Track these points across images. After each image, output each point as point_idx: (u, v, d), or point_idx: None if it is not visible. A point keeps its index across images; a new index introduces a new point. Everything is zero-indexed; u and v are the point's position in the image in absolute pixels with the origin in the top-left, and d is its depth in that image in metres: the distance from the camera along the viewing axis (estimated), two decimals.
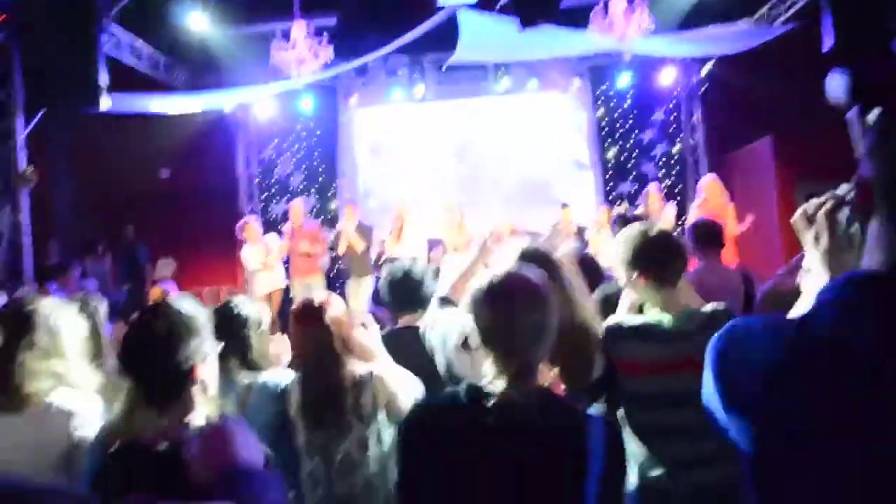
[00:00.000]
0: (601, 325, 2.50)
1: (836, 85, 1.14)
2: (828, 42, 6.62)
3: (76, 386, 2.40)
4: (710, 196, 7.68)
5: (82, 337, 2.59)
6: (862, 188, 1.00)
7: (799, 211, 1.29)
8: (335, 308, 2.70)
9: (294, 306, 2.79)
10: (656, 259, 2.52)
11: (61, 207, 11.27)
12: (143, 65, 9.81)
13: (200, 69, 11.03)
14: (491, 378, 1.69)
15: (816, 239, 1.25)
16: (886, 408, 0.89)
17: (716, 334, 1.08)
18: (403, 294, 3.30)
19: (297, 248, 9.05)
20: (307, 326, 2.68)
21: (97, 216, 11.19)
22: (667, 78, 11.71)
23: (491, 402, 1.65)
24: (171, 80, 10.61)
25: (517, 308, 1.72)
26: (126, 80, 8.77)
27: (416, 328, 2.97)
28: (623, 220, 4.14)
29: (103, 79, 7.39)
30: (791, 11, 9.03)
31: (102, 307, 3.18)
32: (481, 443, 1.64)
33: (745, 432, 1.01)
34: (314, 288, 8.88)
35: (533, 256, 2.32)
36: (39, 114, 7.81)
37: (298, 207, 9.40)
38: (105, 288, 9.78)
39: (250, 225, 9.30)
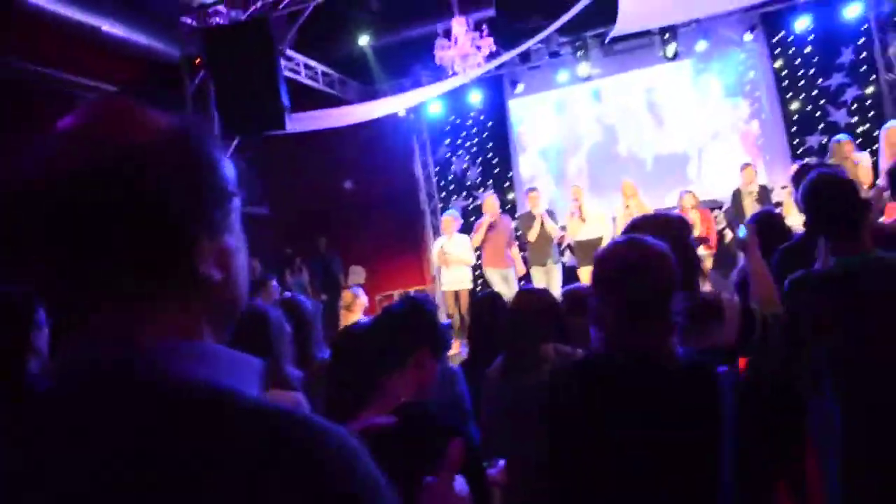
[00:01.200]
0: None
1: None
2: None
3: (283, 385, 2.61)
4: (885, 146, 6.96)
5: (288, 337, 2.82)
6: None
7: None
8: None
9: None
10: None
11: (260, 227, 12.21)
12: (319, 83, 10.44)
13: (371, 79, 11.57)
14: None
15: None
16: None
17: None
18: None
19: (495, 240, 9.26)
20: None
21: (293, 232, 12.00)
22: (852, 12, 10.73)
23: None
24: (344, 94, 11.20)
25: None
26: (305, 99, 9.38)
27: None
28: (803, 171, 3.83)
29: (286, 101, 7.95)
30: None
31: (307, 305, 3.44)
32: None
33: None
34: (509, 278, 9.09)
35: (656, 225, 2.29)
36: (234, 142, 8.55)
37: (493, 200, 9.57)
38: (306, 299, 10.49)
39: (445, 219, 9.63)
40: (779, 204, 9.02)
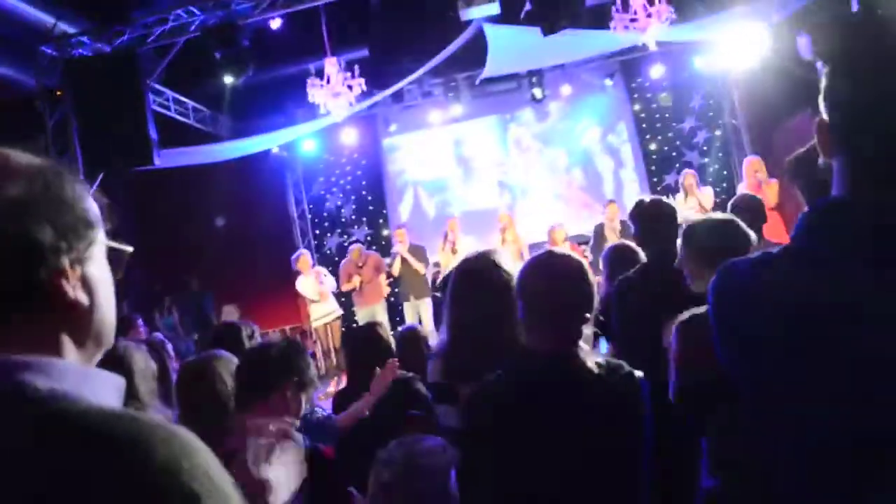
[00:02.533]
0: None
1: (803, 43, 1.23)
2: (854, 5, 6.59)
3: None
4: (751, 175, 7.82)
5: (153, 377, 2.77)
6: (819, 131, 1.10)
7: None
8: None
9: None
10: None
11: (128, 264, 11.74)
12: (189, 119, 10.27)
13: (243, 116, 11.45)
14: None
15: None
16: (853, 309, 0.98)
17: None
18: None
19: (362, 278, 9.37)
20: None
21: (163, 270, 11.62)
22: (702, 63, 11.62)
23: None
24: (216, 130, 11.05)
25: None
26: (175, 135, 9.20)
27: None
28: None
29: (154, 136, 7.77)
30: None
31: (169, 348, 3.40)
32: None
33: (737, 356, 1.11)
34: (378, 314, 9.15)
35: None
36: (99, 177, 8.25)
37: (357, 249, 9.72)
38: (176, 339, 10.18)
39: (303, 257, 9.66)
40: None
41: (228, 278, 11.74)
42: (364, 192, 12.65)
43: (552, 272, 1.96)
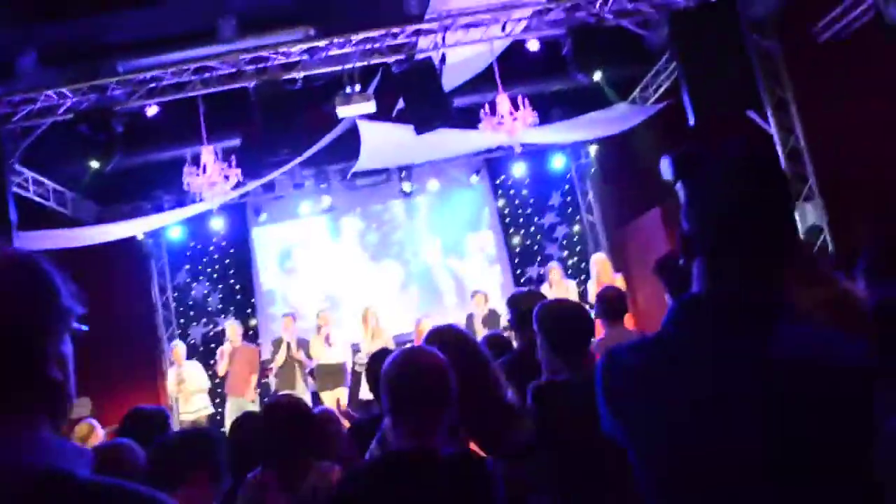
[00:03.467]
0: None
1: (664, 166, 1.52)
2: (691, 117, 7.40)
3: None
4: (599, 271, 8.47)
5: None
6: (681, 238, 1.35)
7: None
8: None
9: None
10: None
11: None
12: (50, 201, 9.89)
13: (108, 200, 11.14)
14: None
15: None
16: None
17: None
18: None
19: (239, 367, 9.19)
20: None
21: None
22: (559, 163, 12.52)
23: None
24: (78, 213, 10.67)
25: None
26: (32, 218, 8.82)
27: None
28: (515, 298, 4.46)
29: (14, 218, 7.48)
30: (659, 92, 9.95)
31: None
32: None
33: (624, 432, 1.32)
34: (248, 406, 8.95)
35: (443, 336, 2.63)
36: None
37: (234, 327, 9.55)
38: None
39: (175, 350, 9.41)
40: (506, 328, 9.92)
41: (82, 368, 11.09)
42: (231, 281, 12.47)
43: (416, 368, 2.09)
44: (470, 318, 9.83)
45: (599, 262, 9.04)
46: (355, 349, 9.93)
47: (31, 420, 0.91)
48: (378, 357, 2.60)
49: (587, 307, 6.48)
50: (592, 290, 8.22)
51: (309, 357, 9.67)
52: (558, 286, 9.14)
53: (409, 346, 2.26)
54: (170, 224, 11.30)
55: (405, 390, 2.06)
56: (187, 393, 9.34)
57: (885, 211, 6.75)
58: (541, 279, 11.78)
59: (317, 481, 2.74)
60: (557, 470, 2.63)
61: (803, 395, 1.18)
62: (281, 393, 9.29)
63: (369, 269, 12.49)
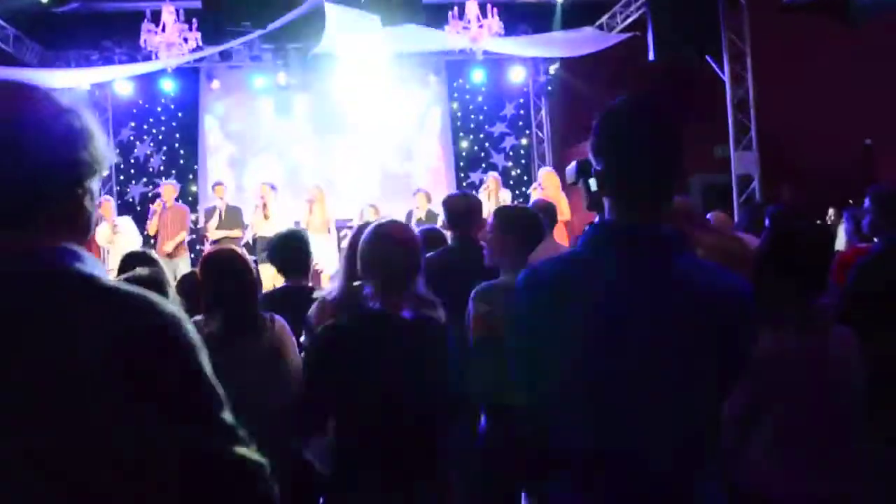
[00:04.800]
0: None
1: (569, 169, 1.86)
2: (651, 53, 7.61)
3: None
4: (546, 185, 8.63)
5: None
6: (596, 175, 1.61)
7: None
8: None
9: None
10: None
11: None
12: None
13: (55, 45, 10.79)
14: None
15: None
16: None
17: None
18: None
19: (168, 229, 9.18)
20: None
21: None
22: (517, 76, 12.61)
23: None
24: (21, 54, 10.33)
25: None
26: None
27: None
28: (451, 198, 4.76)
29: None
30: (626, 23, 10.08)
31: None
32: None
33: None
34: (179, 269, 9.04)
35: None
36: None
37: (171, 188, 9.50)
38: None
39: (105, 204, 9.35)
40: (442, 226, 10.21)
41: None
42: (176, 145, 12.35)
43: (392, 240, 2.38)
44: (409, 214, 10.04)
45: (546, 176, 9.01)
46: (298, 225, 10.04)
47: (71, 239, 1.13)
48: (360, 230, 2.84)
49: None
50: (532, 199, 8.35)
51: (245, 225, 9.78)
52: (494, 195, 9.38)
53: (381, 220, 2.54)
54: (118, 78, 11.05)
55: (377, 260, 2.35)
56: (120, 248, 9.31)
57: (810, 174, 7.19)
58: (481, 184, 12.05)
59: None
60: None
61: (692, 314, 1.50)
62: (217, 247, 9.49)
63: (316, 150, 12.52)
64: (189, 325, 1.11)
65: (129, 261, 3.19)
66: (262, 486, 1.13)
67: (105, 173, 1.21)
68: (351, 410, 2.28)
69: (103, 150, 1.16)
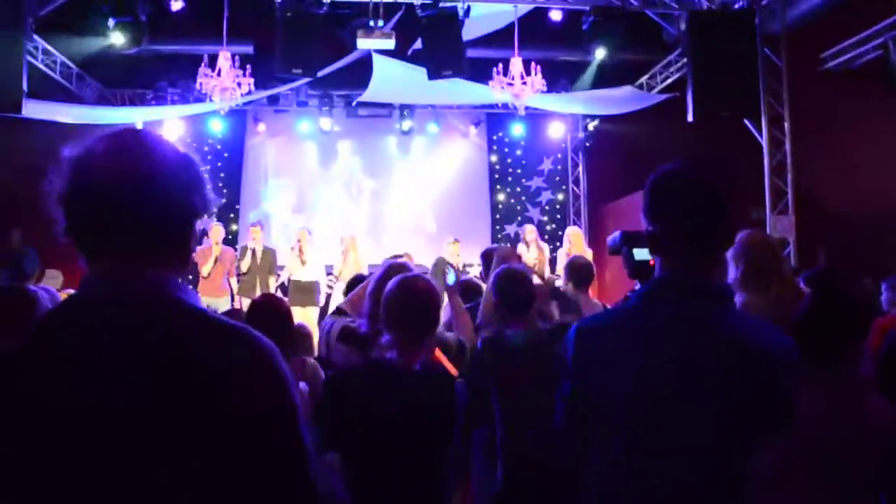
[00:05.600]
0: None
1: (612, 239, 1.99)
2: (690, 115, 7.73)
3: None
4: (573, 242, 8.76)
5: None
6: (649, 236, 1.72)
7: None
8: None
9: None
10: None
11: None
12: (55, 74, 9.95)
13: (112, 83, 11.22)
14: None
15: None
16: None
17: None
18: None
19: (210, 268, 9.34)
20: None
21: None
22: (556, 131, 12.82)
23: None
24: (81, 91, 10.75)
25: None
26: (34, 86, 8.84)
27: None
28: (487, 252, 4.91)
29: (25, 86, 7.62)
30: (667, 83, 10.24)
31: None
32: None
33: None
34: (220, 308, 9.21)
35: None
36: None
37: (219, 229, 9.67)
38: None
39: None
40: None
41: (56, 240, 11.24)
42: (220, 185, 12.66)
43: (415, 298, 2.51)
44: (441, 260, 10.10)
45: (573, 234, 9.31)
46: (329, 271, 10.23)
47: (177, 272, 1.26)
48: (388, 272, 2.97)
49: (556, 275, 6.91)
50: (562, 259, 8.49)
51: (280, 267, 9.96)
52: (532, 247, 9.51)
53: (408, 274, 2.66)
54: (171, 118, 11.42)
55: (399, 315, 2.48)
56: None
57: (847, 240, 7.19)
58: (517, 238, 12.16)
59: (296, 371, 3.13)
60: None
61: (735, 365, 1.57)
62: (261, 294, 9.63)
63: (355, 196, 12.77)
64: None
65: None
66: None
67: (209, 216, 1.34)
68: (355, 449, 2.38)
69: (210, 195, 1.29)
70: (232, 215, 12.61)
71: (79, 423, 1.07)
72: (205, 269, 9.35)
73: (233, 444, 1.09)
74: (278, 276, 10.06)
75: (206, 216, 1.30)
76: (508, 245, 11.59)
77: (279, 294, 10.30)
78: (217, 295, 9.38)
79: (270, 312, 3.14)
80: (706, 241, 1.67)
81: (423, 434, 2.35)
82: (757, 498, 2.26)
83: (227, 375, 1.12)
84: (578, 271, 5.24)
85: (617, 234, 1.95)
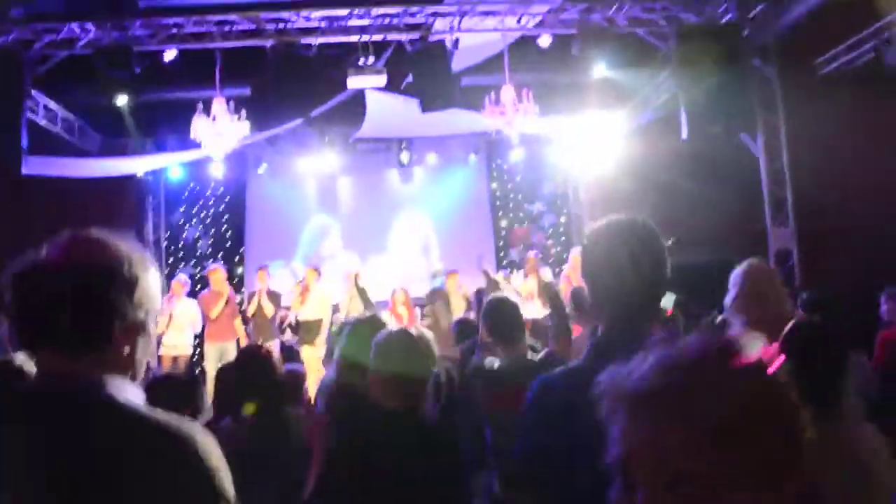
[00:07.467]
0: None
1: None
2: (684, 132, 7.74)
3: None
4: (575, 265, 8.71)
5: None
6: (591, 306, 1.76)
7: None
8: None
9: None
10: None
11: None
12: (57, 128, 10.05)
13: (114, 133, 11.33)
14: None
15: None
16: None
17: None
18: None
19: (216, 312, 9.34)
20: None
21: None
22: (555, 153, 12.80)
23: None
24: (83, 143, 10.86)
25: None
26: (36, 142, 8.94)
27: None
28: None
29: (24, 143, 7.71)
30: (660, 100, 10.26)
31: None
32: None
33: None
34: (228, 352, 9.18)
35: None
36: None
37: (221, 273, 9.67)
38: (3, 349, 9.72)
39: (175, 283, 9.59)
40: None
41: None
42: (224, 227, 12.74)
43: (406, 349, 2.51)
44: (444, 294, 10.04)
45: (575, 257, 9.11)
46: (335, 309, 10.21)
47: (112, 371, 1.28)
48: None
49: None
50: (564, 284, 8.38)
51: (285, 309, 9.97)
52: (531, 277, 9.50)
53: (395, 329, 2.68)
54: (171, 164, 11.52)
55: (392, 375, 2.50)
56: (181, 324, 9.45)
57: (849, 246, 7.15)
58: (522, 262, 12.16)
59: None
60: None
61: None
62: (250, 343, 9.62)
63: (358, 232, 12.81)
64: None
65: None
66: None
67: (153, 310, 1.36)
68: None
69: (138, 297, 1.32)
70: (237, 258, 12.65)
71: None
72: (213, 313, 9.37)
73: None
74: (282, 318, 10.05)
75: (127, 319, 1.31)
76: (511, 272, 11.61)
77: (289, 333, 10.32)
78: (226, 338, 9.37)
79: (252, 365, 3.16)
80: (638, 298, 1.76)
81: (425, 487, 2.40)
82: None
83: (143, 475, 1.15)
84: (584, 301, 5.22)
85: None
